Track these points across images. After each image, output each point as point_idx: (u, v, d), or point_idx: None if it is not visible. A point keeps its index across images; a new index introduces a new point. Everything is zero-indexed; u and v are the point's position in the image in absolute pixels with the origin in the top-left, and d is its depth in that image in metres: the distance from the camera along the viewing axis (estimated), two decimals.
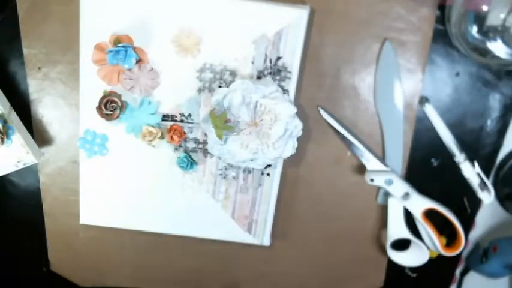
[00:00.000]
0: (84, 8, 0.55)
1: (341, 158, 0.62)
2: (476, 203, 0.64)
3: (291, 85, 0.57)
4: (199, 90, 0.58)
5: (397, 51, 0.58)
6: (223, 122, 0.55)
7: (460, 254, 0.65)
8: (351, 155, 0.62)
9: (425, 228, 0.62)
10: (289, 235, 0.66)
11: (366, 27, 0.58)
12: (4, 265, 0.69)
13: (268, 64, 0.57)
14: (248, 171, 0.61)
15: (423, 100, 0.60)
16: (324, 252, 0.67)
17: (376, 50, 0.58)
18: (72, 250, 0.67)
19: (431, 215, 0.62)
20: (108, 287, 0.70)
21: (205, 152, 0.60)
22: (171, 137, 0.59)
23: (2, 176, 0.61)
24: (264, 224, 0.63)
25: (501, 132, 0.61)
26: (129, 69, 0.56)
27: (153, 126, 0.59)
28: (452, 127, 0.61)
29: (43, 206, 0.65)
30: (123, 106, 0.58)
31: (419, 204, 0.61)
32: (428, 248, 0.63)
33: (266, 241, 0.64)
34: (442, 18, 0.57)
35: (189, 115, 0.59)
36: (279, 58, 0.56)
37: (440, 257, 0.64)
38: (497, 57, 0.54)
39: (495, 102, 0.60)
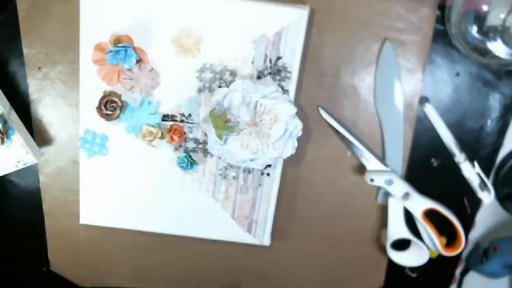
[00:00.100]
0: (84, 8, 0.55)
1: (341, 158, 0.62)
2: (476, 203, 0.64)
3: (291, 85, 0.57)
4: (199, 90, 0.58)
5: (397, 51, 0.58)
6: (223, 122, 0.55)
7: (460, 254, 0.65)
8: (351, 155, 0.62)
9: (425, 228, 0.62)
10: (289, 235, 0.66)
11: (366, 27, 0.58)
12: (4, 265, 0.69)
13: (268, 64, 0.57)
14: (248, 171, 0.61)
15: (423, 100, 0.60)
16: (324, 252, 0.67)
17: (376, 50, 0.58)
18: (72, 250, 0.67)
19: (431, 215, 0.62)
20: (108, 287, 0.70)
21: (205, 152, 0.60)
22: (171, 137, 0.59)
23: (2, 176, 0.61)
24: (264, 224, 0.63)
25: (501, 132, 0.61)
26: (129, 69, 0.56)
27: (153, 126, 0.59)
28: (452, 127, 0.61)
29: (43, 206, 0.65)
30: (123, 106, 0.58)
31: (419, 204, 0.61)
32: (428, 248, 0.63)
33: (266, 241, 0.64)
34: (442, 18, 0.57)
35: (189, 115, 0.59)
36: (279, 58, 0.56)
37: (440, 257, 0.64)
38: (497, 57, 0.54)
39: (495, 102, 0.60)
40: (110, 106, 0.57)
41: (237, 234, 0.63)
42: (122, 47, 0.55)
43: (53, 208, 0.65)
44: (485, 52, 0.54)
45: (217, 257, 0.67)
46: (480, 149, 0.62)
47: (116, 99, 0.57)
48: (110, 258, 0.68)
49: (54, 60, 0.59)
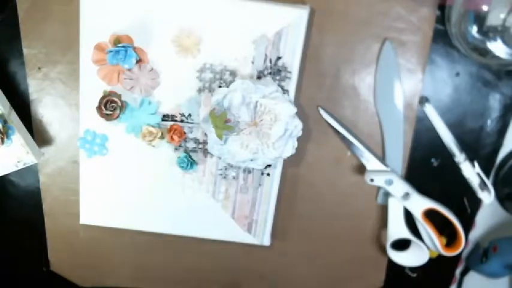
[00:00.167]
0: (84, 8, 0.55)
1: (341, 158, 0.62)
2: (476, 203, 0.64)
3: (291, 85, 0.57)
4: (199, 90, 0.58)
5: (397, 51, 0.58)
6: (223, 122, 0.55)
7: (460, 254, 0.65)
8: (351, 155, 0.62)
9: (425, 228, 0.62)
10: (289, 235, 0.66)
11: (366, 27, 0.58)
12: (4, 265, 0.69)
13: (268, 64, 0.57)
14: (248, 171, 0.61)
15: (423, 100, 0.60)
16: (324, 252, 0.67)
17: (376, 50, 0.58)
18: (72, 250, 0.67)
19: (431, 215, 0.62)
20: (108, 287, 0.70)
21: (205, 152, 0.60)
22: (171, 137, 0.59)
23: (2, 176, 0.61)
24: (264, 224, 0.63)
25: (501, 132, 0.61)
26: (129, 69, 0.56)
27: (153, 126, 0.59)
28: (452, 127, 0.61)
29: (43, 206, 0.65)
30: (123, 106, 0.58)
31: (419, 204, 0.61)
32: (428, 248, 0.63)
33: (266, 241, 0.64)
34: (442, 18, 0.57)
35: (189, 115, 0.59)
36: (279, 58, 0.56)
37: (440, 257, 0.64)
38: (497, 57, 0.54)
39: (495, 102, 0.60)
40: (110, 106, 0.57)
41: (237, 234, 0.63)
42: (122, 47, 0.55)
43: (53, 208, 0.65)
44: (485, 52, 0.54)
45: (217, 257, 0.67)
46: (480, 149, 0.62)
47: (116, 99, 0.57)
48: (110, 258, 0.68)
49: (54, 60, 0.59)
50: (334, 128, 0.60)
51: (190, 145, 0.60)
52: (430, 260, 0.64)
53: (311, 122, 0.61)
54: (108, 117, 0.57)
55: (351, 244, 0.66)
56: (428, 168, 0.63)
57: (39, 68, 0.60)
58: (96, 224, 0.64)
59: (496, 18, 0.52)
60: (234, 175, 0.61)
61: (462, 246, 0.62)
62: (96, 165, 0.61)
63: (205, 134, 0.59)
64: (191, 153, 0.60)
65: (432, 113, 0.60)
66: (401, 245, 0.64)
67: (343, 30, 0.58)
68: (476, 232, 0.66)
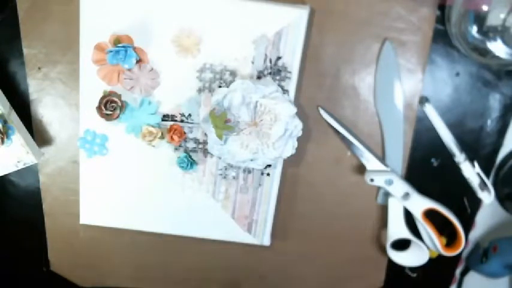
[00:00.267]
0: (84, 8, 0.55)
1: (341, 158, 0.62)
2: (476, 203, 0.64)
3: (291, 85, 0.57)
4: (199, 90, 0.58)
5: (397, 51, 0.58)
6: (223, 122, 0.55)
7: (460, 254, 0.65)
8: (351, 155, 0.62)
9: (425, 228, 0.62)
10: (289, 235, 0.66)
11: (366, 27, 0.58)
12: (4, 265, 0.69)
13: (268, 64, 0.57)
14: (248, 171, 0.61)
15: (423, 100, 0.60)
16: (324, 252, 0.67)
17: (376, 50, 0.58)
18: (72, 250, 0.67)
19: (431, 215, 0.62)
20: (108, 287, 0.70)
21: (205, 152, 0.60)
22: (171, 137, 0.59)
23: (2, 176, 0.61)
24: (264, 224, 0.63)
25: (501, 132, 0.61)
26: (129, 69, 0.56)
27: (153, 126, 0.59)
28: (452, 127, 0.61)
29: (43, 206, 0.65)
30: (123, 106, 0.58)
31: (419, 204, 0.61)
32: (428, 248, 0.63)
33: (266, 241, 0.64)
34: (442, 18, 0.57)
35: (189, 115, 0.59)
36: (279, 58, 0.56)
37: (440, 257, 0.64)
38: (497, 57, 0.54)
39: (495, 102, 0.60)
40: (110, 106, 0.57)
41: (237, 234, 0.63)
42: (122, 47, 0.55)
43: (53, 208, 0.65)
44: (485, 52, 0.54)
45: (217, 257, 0.67)
46: (480, 149, 0.62)
47: (116, 99, 0.57)
48: (110, 258, 0.68)
49: (54, 60, 0.59)
50: (334, 128, 0.60)
51: (190, 145, 0.60)
52: (430, 260, 0.64)
53: (311, 122, 0.61)
54: (108, 117, 0.57)
55: (351, 244, 0.66)
56: (428, 168, 0.63)
57: (39, 68, 0.60)
58: (96, 224, 0.64)
59: (496, 18, 0.52)
60: (234, 175, 0.61)
61: (462, 246, 0.62)
62: (96, 165, 0.61)
63: (205, 134, 0.59)
64: (191, 153, 0.60)
65: (432, 113, 0.60)
66: (401, 245, 0.64)
67: (343, 30, 0.58)
68: (476, 232, 0.66)
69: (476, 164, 0.60)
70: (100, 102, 0.57)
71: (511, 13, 0.51)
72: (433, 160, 0.62)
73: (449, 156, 0.61)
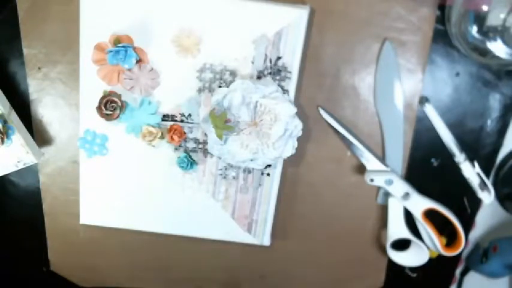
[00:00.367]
0: (84, 8, 0.55)
1: (341, 158, 0.62)
2: (476, 203, 0.64)
3: (291, 85, 0.57)
4: (199, 90, 0.58)
5: (397, 51, 0.58)
6: (223, 122, 0.55)
7: (460, 254, 0.65)
8: (351, 155, 0.62)
9: (425, 228, 0.62)
10: (289, 235, 0.66)
11: (366, 27, 0.58)
12: (4, 265, 0.69)
13: (268, 64, 0.57)
14: (248, 171, 0.61)
15: (423, 100, 0.60)
16: (324, 252, 0.67)
17: (376, 50, 0.58)
18: (72, 250, 0.67)
19: (431, 215, 0.62)
20: (108, 287, 0.70)
21: (205, 152, 0.60)
22: (171, 137, 0.59)
23: (2, 176, 0.61)
24: (264, 224, 0.63)
25: (501, 132, 0.61)
26: (129, 69, 0.56)
27: (153, 126, 0.59)
28: (452, 127, 0.61)
29: (43, 206, 0.65)
30: (123, 106, 0.58)
31: (419, 204, 0.61)
32: (428, 248, 0.63)
33: (266, 241, 0.64)
34: (442, 18, 0.57)
35: (189, 115, 0.59)
36: (279, 58, 0.56)
37: (440, 257, 0.64)
38: (497, 57, 0.54)
39: (495, 102, 0.60)
40: (110, 106, 0.57)
41: (237, 234, 0.63)
42: (122, 47, 0.55)
43: (53, 208, 0.65)
44: (485, 52, 0.54)
45: (217, 257, 0.67)
46: (480, 149, 0.62)
47: (116, 99, 0.57)
48: (110, 258, 0.68)
49: (54, 60, 0.59)
50: (334, 128, 0.60)
51: (190, 145, 0.60)
52: (430, 260, 0.64)
53: (311, 122, 0.61)
54: (108, 117, 0.57)
55: (351, 244, 0.66)
56: (428, 168, 0.63)
57: (39, 68, 0.60)
58: (96, 224, 0.64)
59: (496, 18, 0.52)
60: (234, 175, 0.61)
61: (462, 246, 0.62)
62: (96, 165, 0.61)
63: (205, 134, 0.59)
64: (191, 153, 0.60)
65: (432, 113, 0.60)
66: (401, 245, 0.64)
67: (343, 30, 0.58)
68: (476, 232, 0.66)
69: (476, 164, 0.60)
70: (100, 102, 0.57)
71: (511, 13, 0.51)
72: (433, 160, 0.62)
73: (449, 156, 0.61)
